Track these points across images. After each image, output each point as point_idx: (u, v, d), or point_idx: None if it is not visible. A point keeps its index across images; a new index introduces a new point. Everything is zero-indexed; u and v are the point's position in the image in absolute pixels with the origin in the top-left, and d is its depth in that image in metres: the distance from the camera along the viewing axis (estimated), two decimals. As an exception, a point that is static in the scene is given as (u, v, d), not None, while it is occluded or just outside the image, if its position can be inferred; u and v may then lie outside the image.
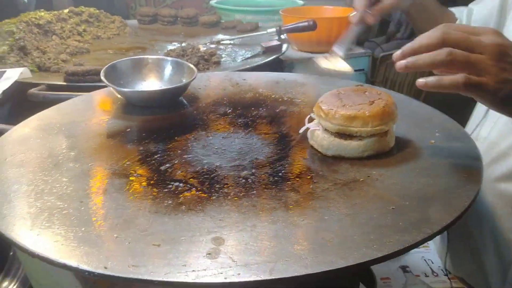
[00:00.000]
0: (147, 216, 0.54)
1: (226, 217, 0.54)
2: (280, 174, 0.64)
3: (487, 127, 0.90)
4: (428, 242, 1.18)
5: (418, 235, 0.48)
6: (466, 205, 0.54)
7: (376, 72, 3.25)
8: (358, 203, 0.56)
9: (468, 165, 0.64)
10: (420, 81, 0.57)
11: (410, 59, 0.57)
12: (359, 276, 0.68)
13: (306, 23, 1.52)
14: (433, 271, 1.14)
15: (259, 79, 1.06)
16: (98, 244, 0.48)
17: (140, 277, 0.43)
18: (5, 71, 1.07)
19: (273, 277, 0.42)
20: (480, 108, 0.96)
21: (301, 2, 2.11)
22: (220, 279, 0.42)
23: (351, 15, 0.88)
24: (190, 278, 0.43)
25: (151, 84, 0.98)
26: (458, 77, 0.55)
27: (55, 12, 1.66)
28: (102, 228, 0.51)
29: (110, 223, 0.52)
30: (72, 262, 0.44)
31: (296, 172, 0.64)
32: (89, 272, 0.43)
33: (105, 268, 0.44)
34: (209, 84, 1.04)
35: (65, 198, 0.58)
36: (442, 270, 1.14)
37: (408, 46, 0.58)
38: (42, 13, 1.58)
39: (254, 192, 0.59)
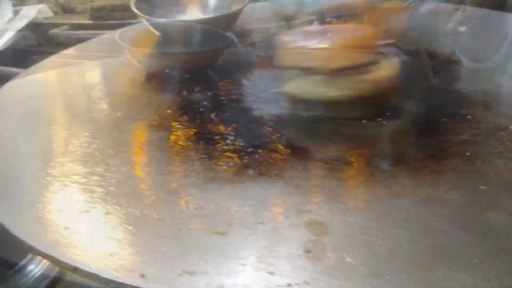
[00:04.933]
0: (201, 186, 0.36)
1: (322, 188, 0.35)
2: (387, 120, 0.44)
3: None
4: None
5: None
6: None
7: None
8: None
9: None
10: None
11: None
12: None
13: None
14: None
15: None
16: (132, 233, 0.31)
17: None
18: (21, 8, 0.91)
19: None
20: None
21: None
22: (341, 304, 0.24)
23: None
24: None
25: (193, 16, 0.78)
26: None
27: None
28: (136, 206, 0.34)
29: (149, 197, 0.35)
30: (85, 266, 0.27)
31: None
32: (115, 283, 0.26)
33: (142, 276, 0.27)
34: (265, 13, 0.83)
35: (85, 160, 0.41)
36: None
37: None
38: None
39: (359, 150, 0.40)
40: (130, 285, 0.26)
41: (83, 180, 0.38)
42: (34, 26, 0.89)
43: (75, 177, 0.38)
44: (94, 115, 0.50)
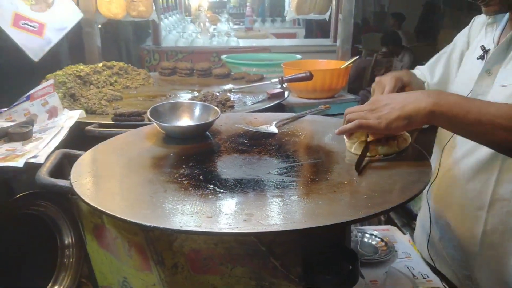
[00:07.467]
0: (199, 203, 0.80)
1: (253, 203, 0.80)
2: (286, 181, 0.90)
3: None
4: (411, 253, 1.44)
5: (379, 209, 0.74)
6: (414, 193, 0.80)
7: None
8: (341, 196, 0.82)
9: (420, 172, 0.91)
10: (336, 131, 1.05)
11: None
12: (345, 256, 0.92)
13: (304, 74, 1.84)
14: (413, 275, 1.38)
15: (268, 117, 1.35)
16: (171, 216, 0.74)
17: (204, 230, 0.69)
18: (68, 112, 1.36)
19: (285, 229, 0.68)
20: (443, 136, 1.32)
21: (299, 56, 2.45)
22: (255, 230, 0.68)
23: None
24: (234, 230, 0.68)
25: (184, 122, 1.26)
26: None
27: (92, 65, 1.98)
28: (172, 209, 0.77)
29: (176, 207, 0.78)
30: (166, 224, 0.70)
31: (301, 178, 0.91)
32: (172, 230, 0.69)
33: (181, 227, 0.69)
34: (228, 121, 1.32)
35: (139, 195, 0.84)
36: (421, 274, 1.38)
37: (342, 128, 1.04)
38: (82, 67, 1.90)
39: (270, 190, 0.86)
40: (177, 230, 0.69)
41: (143, 201, 0.81)
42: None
43: (138, 200, 0.81)
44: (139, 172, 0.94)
